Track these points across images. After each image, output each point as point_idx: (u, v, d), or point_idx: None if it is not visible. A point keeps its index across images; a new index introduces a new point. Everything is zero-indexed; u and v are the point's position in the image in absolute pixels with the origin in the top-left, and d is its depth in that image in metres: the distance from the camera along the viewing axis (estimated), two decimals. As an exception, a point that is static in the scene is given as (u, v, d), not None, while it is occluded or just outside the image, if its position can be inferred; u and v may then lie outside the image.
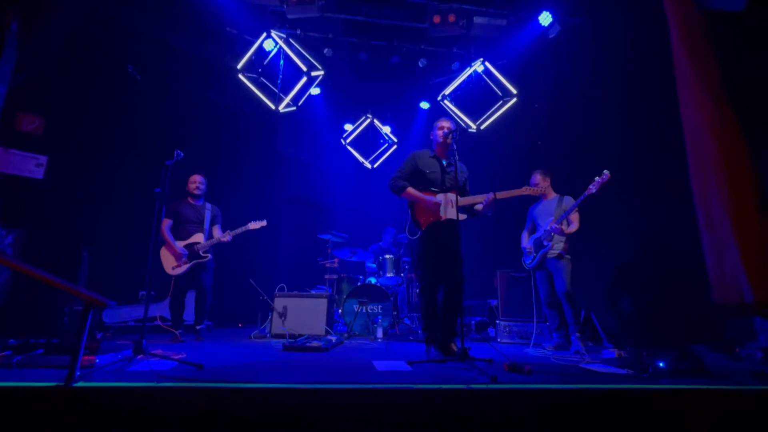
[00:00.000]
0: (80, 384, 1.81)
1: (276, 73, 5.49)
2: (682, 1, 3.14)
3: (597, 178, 3.56)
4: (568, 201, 3.91)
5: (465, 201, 3.16)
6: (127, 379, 2.00)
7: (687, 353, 2.51)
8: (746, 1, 3.07)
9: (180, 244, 4.01)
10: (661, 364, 2.44)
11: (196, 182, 4.18)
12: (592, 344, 4.02)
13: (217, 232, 4.20)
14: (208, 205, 4.27)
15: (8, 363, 2.21)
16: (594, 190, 3.56)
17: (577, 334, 3.62)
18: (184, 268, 3.99)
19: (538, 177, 4.07)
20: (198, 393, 1.81)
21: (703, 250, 2.77)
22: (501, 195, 3.12)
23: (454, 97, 6.03)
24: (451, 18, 4.90)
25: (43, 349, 2.41)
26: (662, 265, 3.92)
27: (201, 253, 4.03)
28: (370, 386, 1.89)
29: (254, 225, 4.20)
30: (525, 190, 3.26)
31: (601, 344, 4.09)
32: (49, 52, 4.02)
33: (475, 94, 5.95)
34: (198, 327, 4.03)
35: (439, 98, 6.05)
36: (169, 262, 4.01)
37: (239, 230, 4.16)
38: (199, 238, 4.08)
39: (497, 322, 4.48)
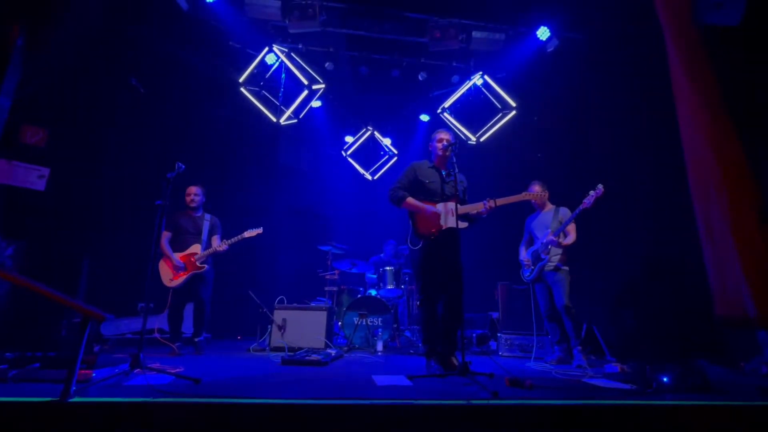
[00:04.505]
0: (76, 399, 1.79)
1: (278, 86, 5.56)
2: (679, 16, 3.17)
3: (591, 192, 3.60)
4: (565, 213, 3.91)
5: (465, 209, 3.16)
6: (124, 394, 1.97)
7: (691, 368, 2.47)
8: (742, 16, 3.11)
9: (177, 256, 4.00)
10: (665, 379, 2.41)
11: (192, 194, 4.18)
12: (595, 358, 3.97)
13: (215, 242, 4.19)
14: (207, 216, 4.27)
15: (4, 377, 2.19)
16: (588, 204, 3.60)
17: (579, 348, 3.58)
18: (182, 279, 3.97)
19: (537, 188, 4.07)
20: (194, 408, 1.79)
21: (705, 263, 2.76)
22: (501, 201, 3.14)
23: (453, 109, 6.08)
24: (451, 32, 4.98)
25: (39, 363, 2.39)
26: (664, 279, 3.90)
27: (198, 263, 4.01)
28: (369, 402, 1.86)
29: (250, 233, 4.19)
30: (525, 196, 3.30)
31: (603, 358, 4.04)
32: (54, 66, 4.08)
33: (474, 106, 6.00)
34: (196, 340, 4.00)
35: (439, 111, 6.11)
36: (166, 275, 4.00)
37: (235, 239, 4.15)
38: (196, 249, 4.07)
39: (498, 335, 4.43)
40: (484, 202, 3.10)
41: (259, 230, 4.23)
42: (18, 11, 3.60)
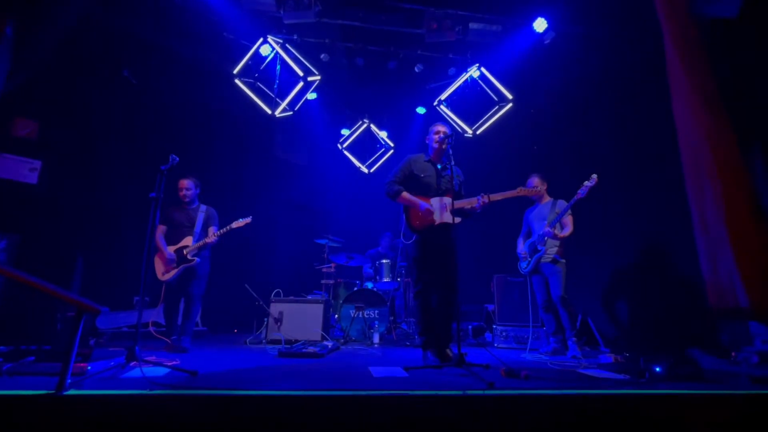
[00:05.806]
0: (71, 392, 1.78)
1: (273, 78, 5.49)
2: (677, 8, 3.17)
3: (585, 183, 3.61)
4: (562, 205, 3.93)
5: (459, 204, 3.16)
6: (119, 387, 1.97)
7: (683, 358, 2.51)
8: (739, 8, 3.10)
9: (170, 249, 3.96)
10: (657, 369, 2.44)
11: (183, 188, 4.09)
12: (589, 349, 4.01)
13: (211, 233, 4.13)
14: (203, 207, 4.19)
15: (-2, 370, 2.18)
16: (583, 195, 3.61)
17: (574, 339, 3.62)
18: (174, 273, 3.93)
19: (535, 180, 4.09)
20: (191, 400, 1.79)
21: (698, 255, 2.78)
22: (495, 197, 3.13)
23: (450, 102, 6.05)
24: (447, 24, 4.93)
25: (34, 356, 2.38)
26: (658, 270, 3.93)
27: (189, 256, 3.96)
28: (365, 393, 1.87)
29: (238, 223, 4.09)
30: (520, 191, 3.29)
31: (598, 349, 4.09)
32: (43, 57, 4.01)
33: (471, 99, 5.97)
34: (182, 336, 3.80)
35: (435, 103, 6.08)
36: (159, 268, 3.96)
37: (223, 230, 4.07)
38: (188, 241, 4.01)
39: (494, 326, 4.47)
40: (478, 197, 3.10)
41: (248, 220, 4.14)
42: (6, 1, 3.53)
